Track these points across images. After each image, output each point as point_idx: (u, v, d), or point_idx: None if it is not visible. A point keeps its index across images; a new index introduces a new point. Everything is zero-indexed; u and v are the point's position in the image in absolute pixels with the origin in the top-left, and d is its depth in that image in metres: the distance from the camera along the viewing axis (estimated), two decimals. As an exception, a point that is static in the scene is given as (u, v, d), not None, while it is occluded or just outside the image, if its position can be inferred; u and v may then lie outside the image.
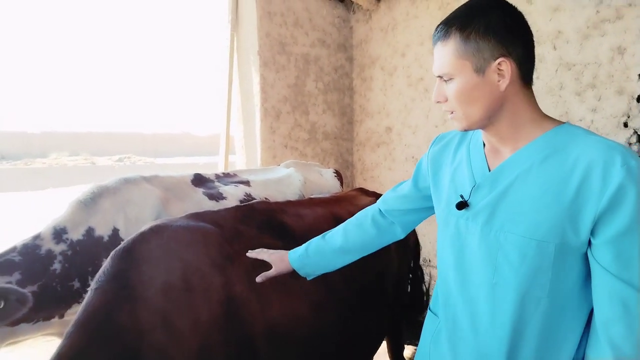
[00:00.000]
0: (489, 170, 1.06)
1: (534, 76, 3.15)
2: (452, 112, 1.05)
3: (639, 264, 0.86)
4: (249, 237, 1.62)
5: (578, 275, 0.95)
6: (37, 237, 1.86)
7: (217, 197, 2.36)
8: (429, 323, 1.31)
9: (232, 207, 1.78)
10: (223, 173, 2.71)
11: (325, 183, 3.05)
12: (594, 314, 0.93)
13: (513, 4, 1.00)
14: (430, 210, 1.37)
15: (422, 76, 4.12)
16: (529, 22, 3.31)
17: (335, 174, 3.20)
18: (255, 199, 2.50)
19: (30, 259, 1.78)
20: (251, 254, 1.49)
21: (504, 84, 0.97)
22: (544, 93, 3.40)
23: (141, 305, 1.28)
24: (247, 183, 2.62)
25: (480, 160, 1.10)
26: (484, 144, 1.12)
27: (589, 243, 0.92)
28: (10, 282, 1.69)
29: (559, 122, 1.02)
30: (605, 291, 0.89)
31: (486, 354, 1.05)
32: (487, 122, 1.03)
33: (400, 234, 1.45)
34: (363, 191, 2.42)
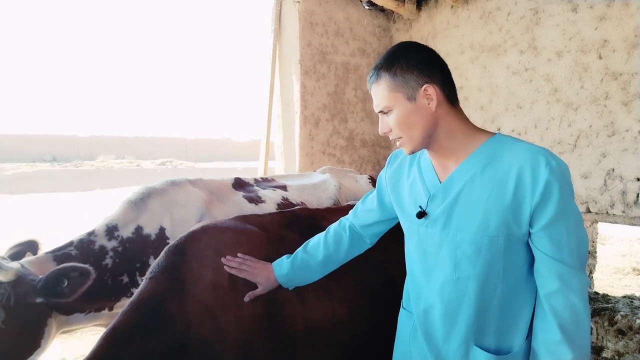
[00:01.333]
0: (440, 182, 1.23)
1: (579, 85, 3.10)
2: (399, 139, 1.22)
3: (567, 244, 1.07)
4: (292, 242, 1.68)
5: (524, 261, 1.15)
6: (91, 233, 2.00)
7: (256, 200, 2.45)
8: (405, 320, 1.41)
9: (277, 212, 1.85)
10: (261, 178, 2.80)
11: (360, 189, 3.09)
12: (538, 290, 1.13)
13: (425, 45, 1.21)
14: (393, 220, 1.52)
15: (461, 85, 4.10)
16: (574, 31, 3.27)
17: (370, 180, 3.24)
18: (292, 202, 2.57)
19: (85, 253, 1.92)
20: (231, 269, 1.45)
21: (433, 105, 1.15)
22: (588, 103, 3.32)
23: (190, 298, 1.36)
24: (284, 187, 2.70)
25: (431, 174, 1.26)
26: (432, 161, 1.28)
27: (529, 233, 1.11)
28: None
29: (491, 134, 1.20)
30: (545, 270, 1.09)
31: (456, 336, 1.20)
32: (428, 140, 1.20)
33: (369, 244, 1.60)
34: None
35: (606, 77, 3.22)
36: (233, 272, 1.45)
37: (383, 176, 1.49)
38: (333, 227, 1.60)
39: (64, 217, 8.58)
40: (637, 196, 3.11)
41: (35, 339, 1.68)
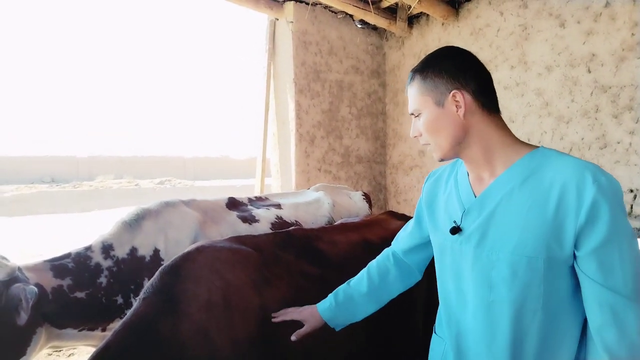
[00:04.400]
0: (475, 196, 1.16)
1: (569, 99, 3.12)
2: (428, 145, 1.18)
3: (621, 271, 0.94)
4: (287, 262, 1.68)
5: (568, 286, 1.02)
6: (88, 248, 2.01)
7: (250, 219, 2.46)
8: (437, 345, 1.33)
9: (271, 233, 1.85)
10: (255, 197, 2.81)
11: (354, 206, 3.10)
12: (588, 322, 1.00)
13: (467, 50, 1.16)
14: None
15: (454, 100, 4.14)
16: (563, 46, 3.31)
17: (364, 197, 3.25)
18: (286, 221, 2.58)
19: (81, 267, 1.93)
20: (278, 316, 1.47)
21: (461, 112, 1.10)
22: (579, 116, 3.36)
23: (184, 319, 1.35)
24: (278, 206, 2.71)
25: (466, 187, 1.20)
26: (468, 174, 1.21)
27: (574, 256, 0.99)
28: (61, 286, 1.84)
29: (533, 147, 1.11)
30: (594, 299, 0.97)
31: None
32: (458, 149, 1.15)
33: (417, 275, 1.51)
34: (392, 214, 2.44)
35: (596, 90, 3.26)
36: (279, 319, 1.45)
37: (422, 192, 1.42)
38: (376, 259, 1.54)
39: (62, 239, 8.56)
40: (631, 208, 3.12)
41: (21, 346, 1.65)
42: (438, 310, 1.36)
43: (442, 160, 1.20)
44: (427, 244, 1.43)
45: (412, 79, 1.18)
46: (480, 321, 1.12)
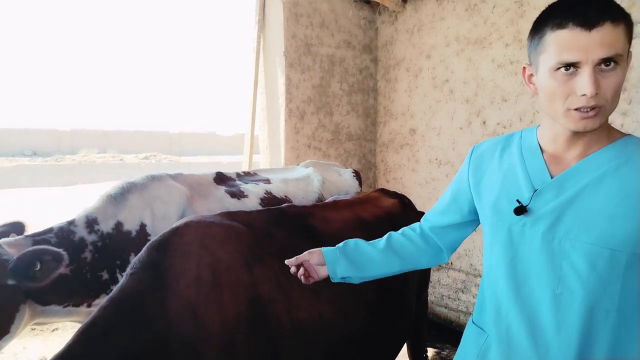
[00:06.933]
0: (550, 176, 1.03)
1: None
2: (598, 109, 0.92)
3: None
4: (279, 240, 1.65)
5: None
6: (71, 222, 1.95)
7: (239, 195, 2.40)
8: (474, 338, 1.21)
9: (264, 210, 1.82)
10: (244, 172, 2.76)
11: (344, 183, 3.06)
12: None
13: None
14: (472, 224, 1.32)
15: (447, 78, 4.09)
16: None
17: (354, 174, 3.20)
18: (275, 196, 2.53)
19: (64, 242, 1.87)
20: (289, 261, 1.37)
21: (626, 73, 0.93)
22: (572, 96, 3.33)
23: (172, 295, 1.32)
24: (267, 181, 2.66)
25: (538, 165, 1.06)
26: (541, 149, 1.08)
27: None
28: None
29: (624, 133, 1.02)
30: None
31: None
32: None
33: (445, 257, 1.37)
34: (385, 192, 2.42)
35: (590, 70, 3.22)
36: (292, 260, 1.31)
37: (465, 170, 1.26)
38: (402, 229, 1.41)
39: (45, 212, 8.42)
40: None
41: (4, 324, 1.60)
42: (478, 297, 1.24)
43: (593, 129, 0.96)
44: (463, 224, 1.31)
45: (617, 14, 0.88)
46: (541, 317, 1.00)
